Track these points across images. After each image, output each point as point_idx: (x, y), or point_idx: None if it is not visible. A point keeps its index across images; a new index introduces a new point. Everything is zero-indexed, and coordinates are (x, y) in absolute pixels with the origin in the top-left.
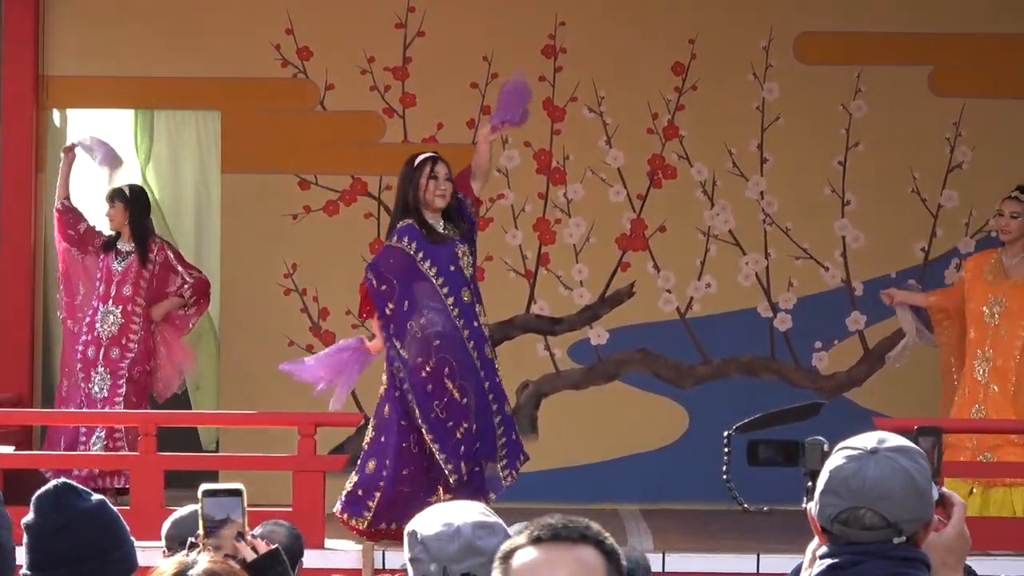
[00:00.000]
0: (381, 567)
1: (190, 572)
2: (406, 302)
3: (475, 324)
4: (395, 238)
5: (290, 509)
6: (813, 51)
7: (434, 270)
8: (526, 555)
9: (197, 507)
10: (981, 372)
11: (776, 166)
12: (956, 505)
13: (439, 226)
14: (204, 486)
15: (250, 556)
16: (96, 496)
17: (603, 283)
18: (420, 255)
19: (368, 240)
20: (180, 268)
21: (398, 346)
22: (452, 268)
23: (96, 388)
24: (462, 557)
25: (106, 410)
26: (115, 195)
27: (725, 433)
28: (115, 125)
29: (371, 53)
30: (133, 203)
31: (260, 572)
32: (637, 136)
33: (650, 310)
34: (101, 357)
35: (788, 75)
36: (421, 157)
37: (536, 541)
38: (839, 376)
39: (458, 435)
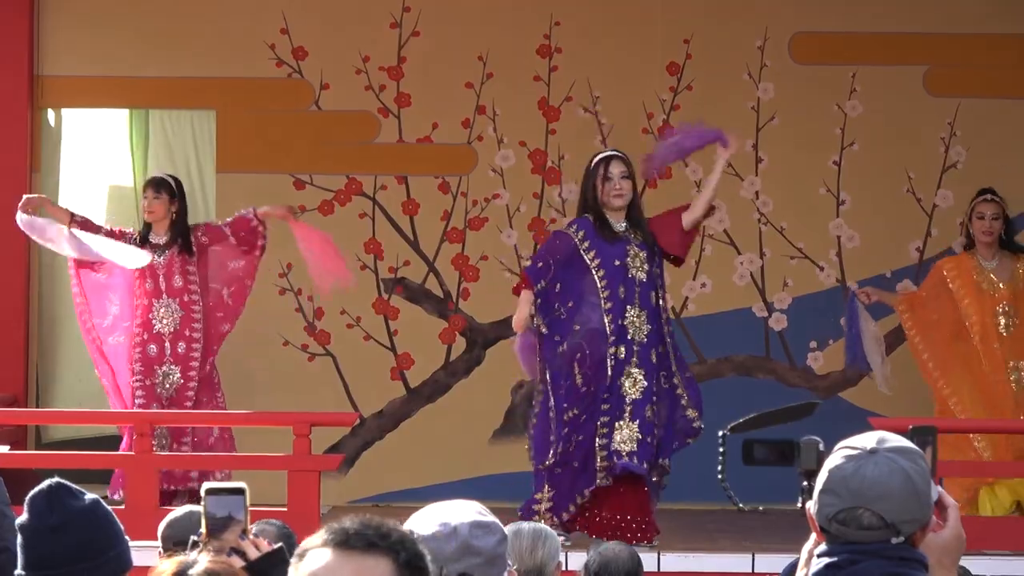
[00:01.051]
0: None
1: (190, 571)
2: (558, 284)
3: (622, 323)
4: (569, 226)
5: (285, 509)
6: (808, 51)
7: (596, 262)
8: (316, 558)
9: (192, 508)
10: (1014, 382)
11: (771, 166)
12: (950, 507)
13: (618, 225)
14: (207, 484)
15: (253, 554)
16: (90, 496)
17: None
18: (586, 245)
19: (363, 240)
20: (223, 228)
21: (539, 322)
22: (616, 264)
23: (162, 384)
24: (459, 557)
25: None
26: (160, 185)
27: (720, 433)
28: (110, 125)
29: (366, 53)
30: (180, 194)
31: (263, 571)
32: (632, 136)
33: None
34: (168, 353)
35: (783, 75)
36: (597, 157)
37: (327, 543)
38: (834, 376)
39: (565, 418)
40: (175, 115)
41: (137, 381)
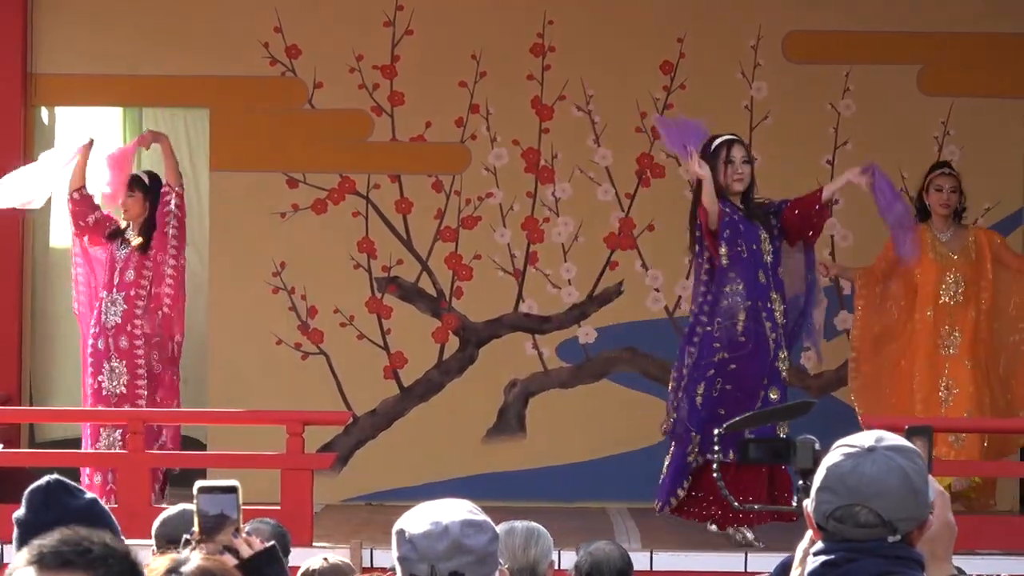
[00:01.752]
0: (369, 565)
1: (183, 569)
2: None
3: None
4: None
5: (279, 507)
6: (802, 50)
7: (742, 245)
8: None
9: (185, 506)
10: (946, 349)
11: (764, 165)
12: (937, 495)
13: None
14: (200, 483)
15: (246, 552)
16: (89, 495)
17: (591, 282)
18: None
19: (356, 238)
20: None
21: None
22: (755, 247)
23: (108, 382)
24: (450, 555)
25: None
26: (134, 183)
27: (715, 432)
28: (104, 123)
29: (359, 51)
30: (155, 189)
31: (256, 569)
32: (625, 135)
33: (638, 309)
34: (113, 349)
35: (776, 74)
36: (717, 141)
37: (29, 562)
38: (827, 375)
39: (697, 392)
40: (169, 113)
41: (90, 376)
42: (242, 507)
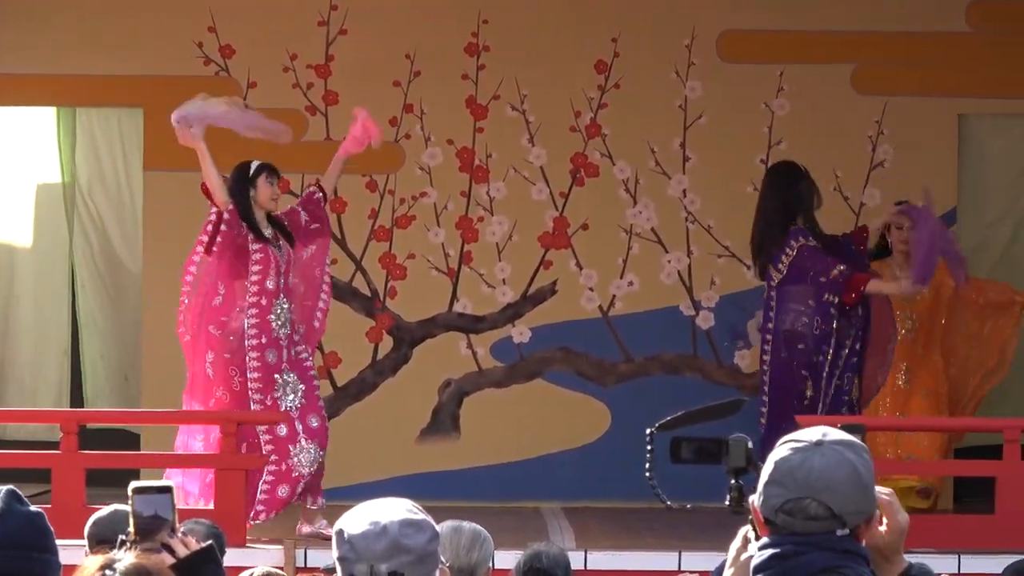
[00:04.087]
0: (303, 565)
1: (116, 566)
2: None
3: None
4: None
5: (212, 507)
6: (736, 49)
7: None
8: None
9: (118, 506)
10: (902, 381)
11: (698, 164)
12: (888, 493)
13: None
14: (134, 484)
15: (182, 552)
16: (36, 508)
17: (525, 281)
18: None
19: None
20: (296, 207)
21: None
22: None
23: (286, 396)
24: (389, 555)
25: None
26: (275, 171)
27: (648, 430)
28: (37, 123)
29: (293, 51)
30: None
31: (193, 568)
32: (560, 134)
33: (572, 308)
34: (285, 360)
35: (711, 73)
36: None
37: None
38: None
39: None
40: (102, 113)
41: (258, 394)
42: (176, 507)
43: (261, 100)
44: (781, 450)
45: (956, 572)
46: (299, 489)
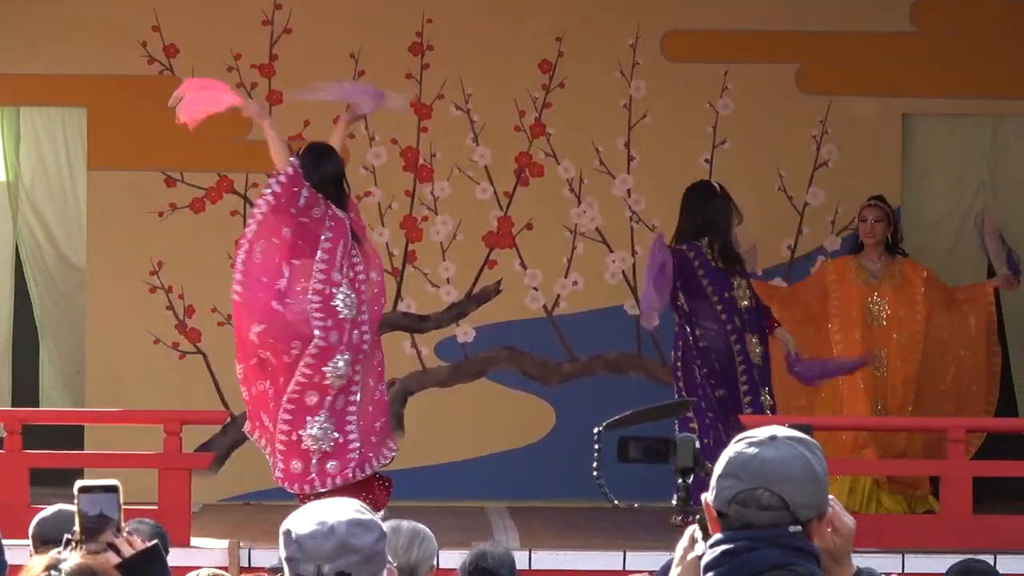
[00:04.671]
0: (247, 565)
1: (62, 566)
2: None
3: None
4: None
5: (156, 507)
6: (680, 49)
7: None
8: None
9: (62, 506)
10: (879, 371)
11: (643, 164)
12: (834, 499)
13: None
14: (80, 483)
15: (128, 552)
16: None
17: (470, 281)
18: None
19: (234, 237)
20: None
21: None
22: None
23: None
24: (336, 555)
25: None
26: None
27: (595, 430)
28: None
29: (237, 50)
30: None
31: (138, 568)
32: (504, 133)
33: (517, 308)
34: (344, 342)
35: (655, 73)
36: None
37: None
38: None
39: None
40: (46, 112)
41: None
42: (122, 506)
43: None
44: (735, 446)
45: (900, 572)
46: (313, 465)
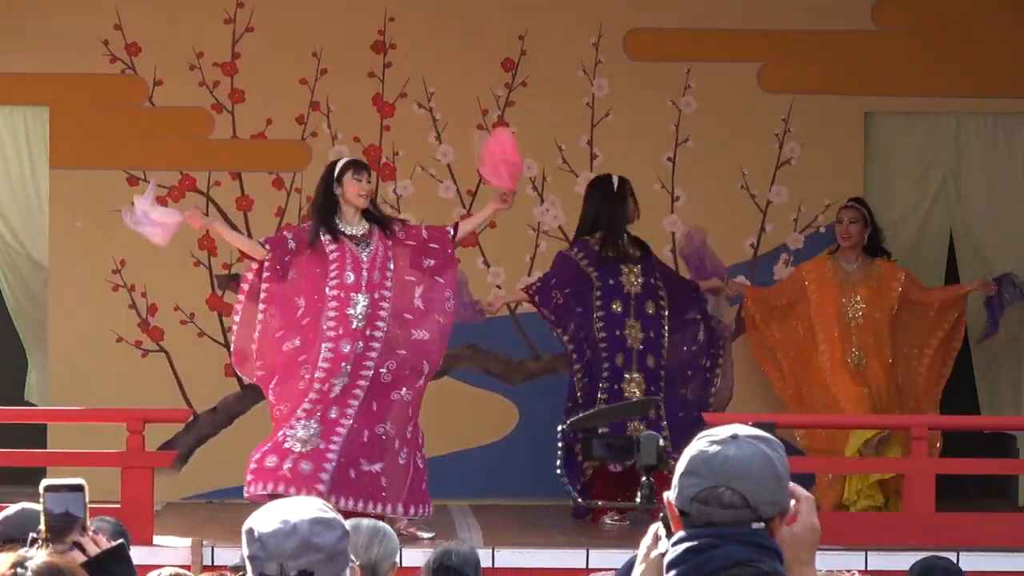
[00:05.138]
0: (210, 564)
1: (27, 563)
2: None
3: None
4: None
5: (119, 506)
6: (643, 47)
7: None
8: None
9: (26, 505)
10: (858, 365)
11: (605, 162)
12: (803, 499)
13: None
14: (45, 481)
15: (93, 551)
16: None
17: None
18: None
19: (197, 236)
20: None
21: None
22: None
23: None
24: (299, 554)
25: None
26: (362, 166)
27: (559, 427)
28: None
29: (200, 49)
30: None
31: (103, 567)
32: (467, 132)
33: None
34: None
35: (618, 71)
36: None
37: None
38: None
39: None
40: (7, 111)
41: (321, 378)
42: (88, 505)
43: (167, 98)
44: (697, 444)
45: (863, 569)
46: (286, 462)
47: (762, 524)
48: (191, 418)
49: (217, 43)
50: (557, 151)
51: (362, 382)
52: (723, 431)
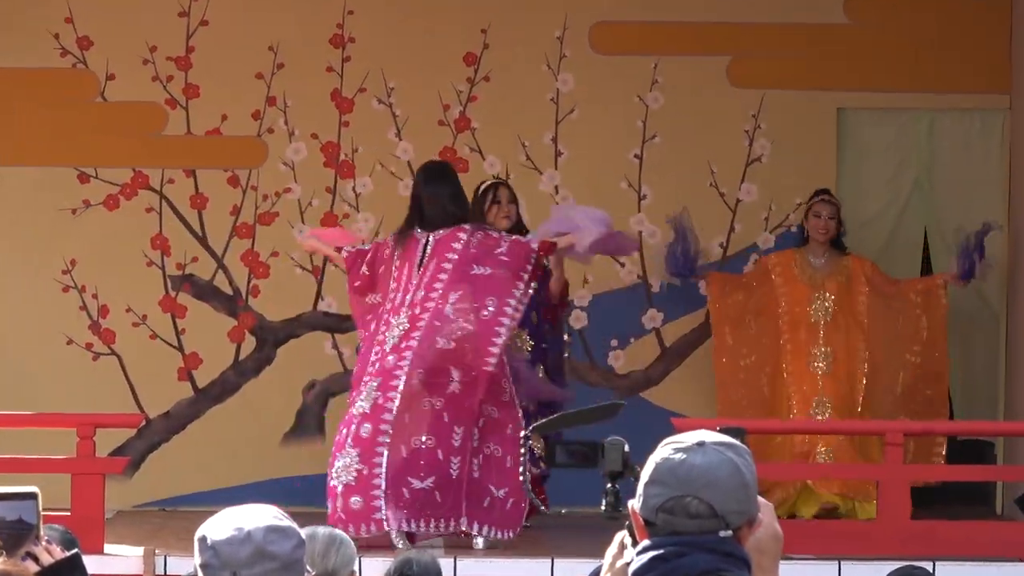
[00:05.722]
0: (163, 573)
1: None
2: None
3: None
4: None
5: (69, 513)
6: (609, 41)
7: None
8: None
9: None
10: (821, 367)
11: (571, 159)
12: (763, 506)
13: None
14: None
15: (47, 560)
16: None
17: None
18: None
19: (149, 235)
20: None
21: None
22: None
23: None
24: (253, 562)
25: None
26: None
27: (522, 433)
28: None
29: (153, 42)
30: None
31: None
32: (428, 128)
33: None
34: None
35: (583, 66)
36: (484, 185)
37: None
38: (635, 375)
39: None
40: None
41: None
42: (41, 513)
43: (120, 93)
44: (662, 451)
45: None
46: (338, 502)
47: (730, 532)
48: (143, 423)
49: (171, 37)
50: (521, 148)
51: (392, 393)
52: (689, 437)
